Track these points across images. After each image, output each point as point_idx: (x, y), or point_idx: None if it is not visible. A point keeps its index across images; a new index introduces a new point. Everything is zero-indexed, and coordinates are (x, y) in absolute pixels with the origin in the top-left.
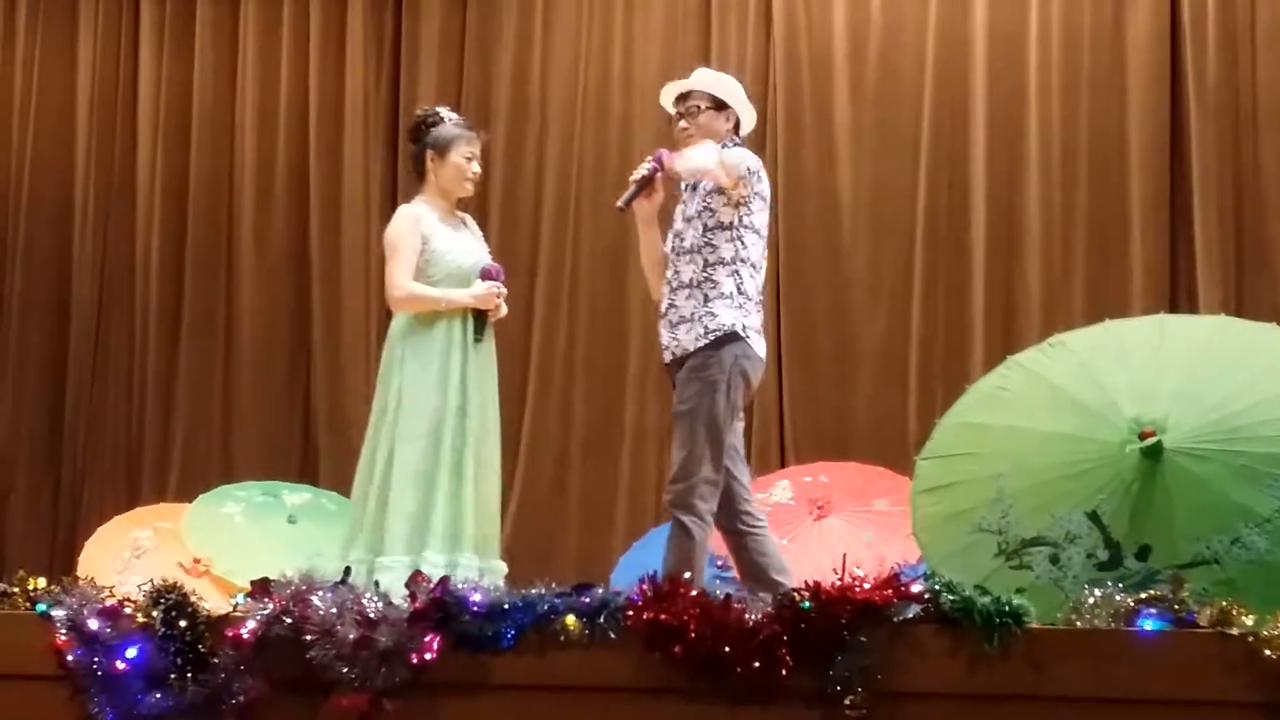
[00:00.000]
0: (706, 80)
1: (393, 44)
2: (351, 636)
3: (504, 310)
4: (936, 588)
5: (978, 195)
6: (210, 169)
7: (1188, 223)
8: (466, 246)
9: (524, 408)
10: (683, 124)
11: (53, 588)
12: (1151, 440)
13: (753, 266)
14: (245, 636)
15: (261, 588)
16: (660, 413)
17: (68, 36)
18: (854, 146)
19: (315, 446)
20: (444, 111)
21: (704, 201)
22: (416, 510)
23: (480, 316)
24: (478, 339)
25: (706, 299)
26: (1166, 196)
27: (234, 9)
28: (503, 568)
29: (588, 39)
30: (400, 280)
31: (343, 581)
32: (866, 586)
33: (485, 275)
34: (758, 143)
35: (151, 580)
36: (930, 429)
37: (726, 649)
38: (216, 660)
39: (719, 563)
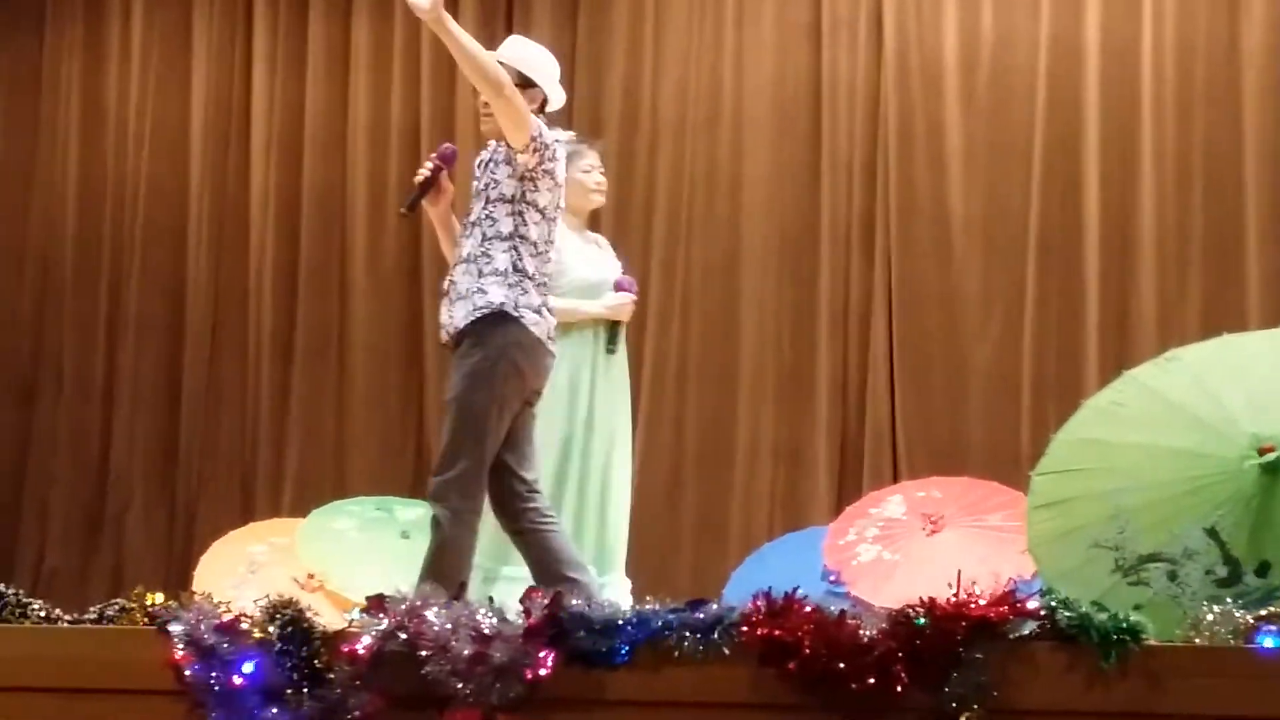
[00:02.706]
0: (514, 53)
1: None
2: (466, 652)
3: None
4: (1053, 604)
5: (1091, 209)
6: (323, 188)
7: None
8: (596, 261)
9: (636, 422)
10: (484, 99)
11: (170, 603)
12: (1271, 456)
13: (533, 245)
14: (361, 652)
15: (376, 603)
16: (774, 426)
17: (182, 60)
18: (966, 161)
19: (428, 462)
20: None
21: (490, 174)
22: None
23: (614, 328)
24: (610, 350)
25: (480, 274)
26: None
27: (345, 30)
28: (625, 582)
29: (698, 52)
30: None
31: (457, 597)
32: (982, 603)
33: (619, 287)
34: (868, 157)
35: (267, 595)
36: (1044, 444)
37: (841, 665)
38: (332, 676)
39: (831, 578)
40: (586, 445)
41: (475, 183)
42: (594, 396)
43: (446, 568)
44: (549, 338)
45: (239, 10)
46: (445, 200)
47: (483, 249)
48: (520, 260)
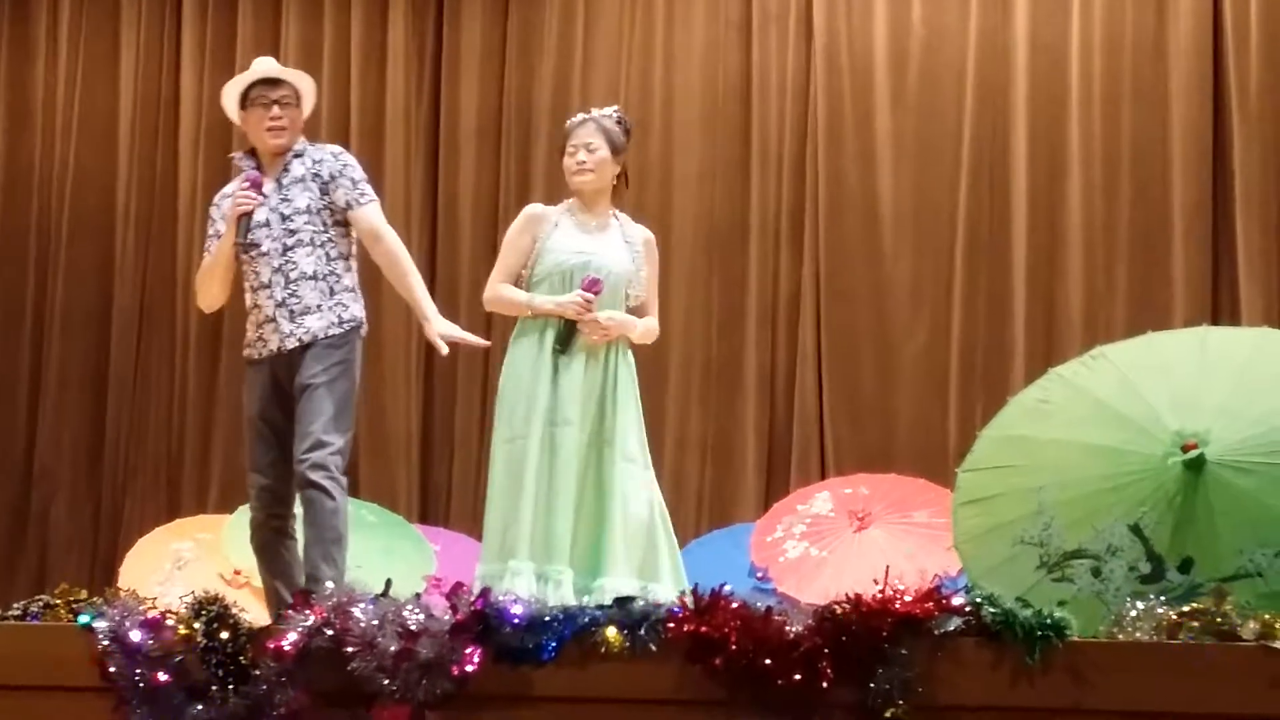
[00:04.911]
0: (294, 72)
1: (434, 56)
2: (393, 648)
3: (605, 329)
4: (978, 600)
5: (1019, 205)
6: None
7: (1230, 233)
8: (582, 248)
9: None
10: (276, 111)
11: (95, 599)
12: (1194, 453)
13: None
14: (287, 648)
15: (303, 599)
16: (702, 421)
17: (110, 53)
18: (895, 156)
19: (356, 459)
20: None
21: (324, 200)
22: (504, 516)
23: (569, 328)
24: (557, 349)
25: (333, 291)
26: (1209, 207)
27: (275, 25)
28: (617, 586)
29: (629, 49)
30: (492, 281)
31: (384, 594)
32: (908, 599)
33: (581, 285)
34: (797, 153)
35: (193, 592)
36: (971, 441)
37: (767, 661)
38: (258, 672)
39: (758, 574)
40: (549, 439)
41: (305, 193)
42: (558, 393)
43: (343, 529)
44: None
45: (168, 5)
46: None
47: (330, 268)
48: (355, 276)
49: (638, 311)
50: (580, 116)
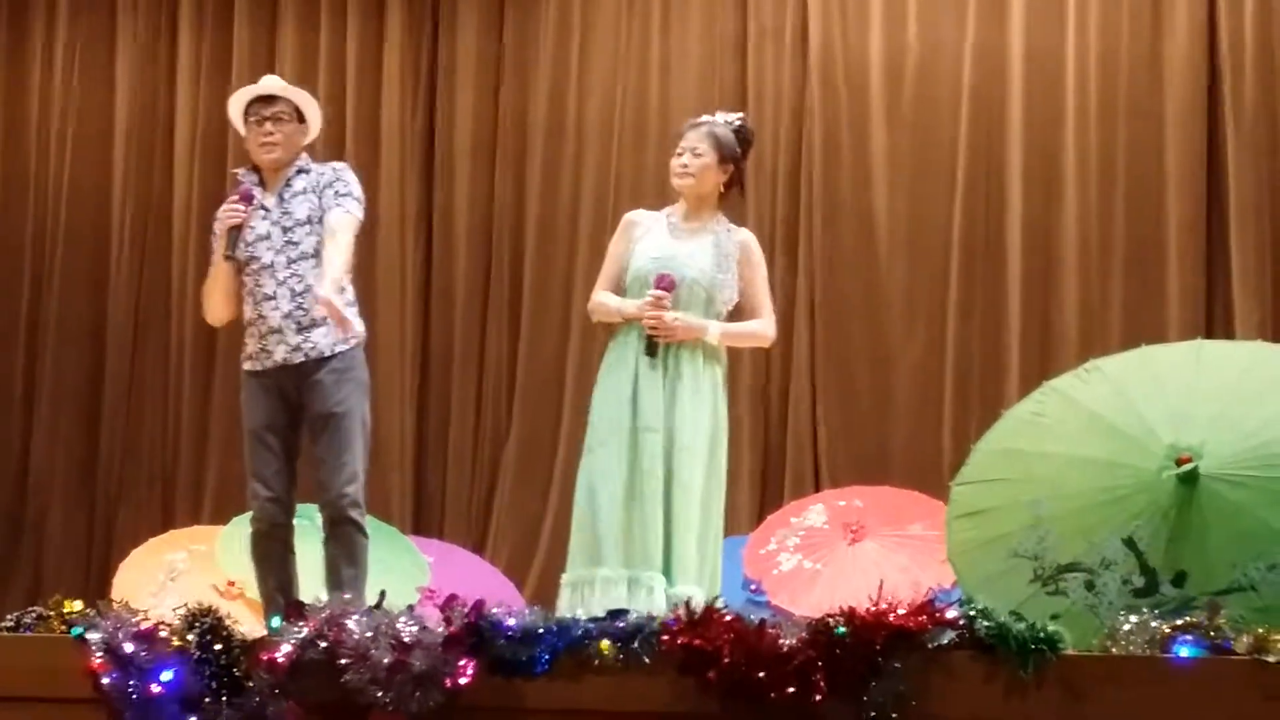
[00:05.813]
0: (290, 89)
1: (429, 68)
2: (386, 660)
3: (670, 328)
4: (971, 613)
5: (1014, 220)
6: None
7: (1225, 248)
8: (660, 252)
9: (561, 427)
10: (269, 128)
11: (88, 611)
12: (1188, 466)
13: None
14: (280, 660)
15: (296, 611)
16: None
17: (106, 65)
18: (890, 170)
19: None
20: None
21: (322, 211)
22: (592, 523)
23: (653, 329)
24: (645, 353)
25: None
26: (1203, 221)
27: (271, 36)
28: (684, 593)
29: (625, 62)
30: (596, 287)
31: (378, 605)
32: (901, 612)
33: (654, 283)
34: (793, 165)
35: (186, 603)
36: (966, 454)
37: (760, 674)
38: (251, 684)
39: (752, 587)
40: (634, 445)
41: (274, 211)
42: (639, 399)
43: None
44: None
45: (163, 15)
46: None
47: None
48: (353, 290)
49: (737, 316)
50: (697, 119)
